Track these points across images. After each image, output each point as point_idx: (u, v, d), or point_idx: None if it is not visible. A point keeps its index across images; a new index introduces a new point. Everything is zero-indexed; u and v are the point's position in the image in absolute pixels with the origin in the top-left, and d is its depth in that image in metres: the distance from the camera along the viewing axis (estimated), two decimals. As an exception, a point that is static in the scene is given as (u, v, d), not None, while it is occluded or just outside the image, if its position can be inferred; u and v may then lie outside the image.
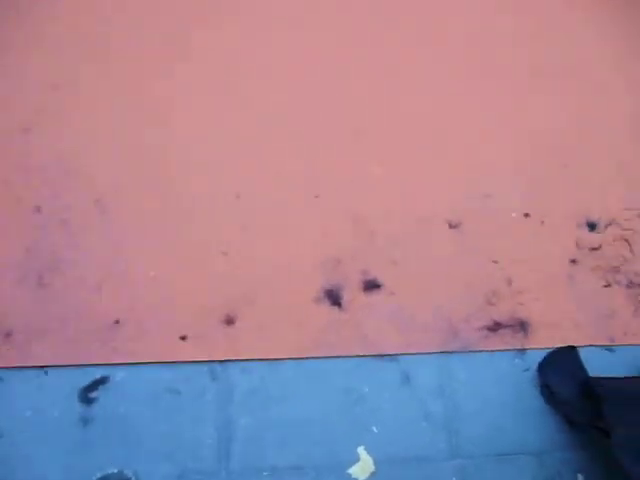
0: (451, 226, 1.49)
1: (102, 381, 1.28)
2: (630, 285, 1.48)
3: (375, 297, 1.40)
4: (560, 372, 1.35)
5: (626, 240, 1.52)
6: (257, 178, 1.47)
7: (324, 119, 1.55)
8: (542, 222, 1.52)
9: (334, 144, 1.53)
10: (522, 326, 1.42)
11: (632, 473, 1.04)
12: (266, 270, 1.40)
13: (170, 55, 1.55)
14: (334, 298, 1.38)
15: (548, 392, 1.34)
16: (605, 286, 1.48)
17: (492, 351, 1.39)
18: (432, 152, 1.55)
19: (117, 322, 1.32)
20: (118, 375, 1.28)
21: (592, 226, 1.53)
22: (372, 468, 1.27)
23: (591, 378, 1.31)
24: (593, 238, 1.52)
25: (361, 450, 1.28)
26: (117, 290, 1.35)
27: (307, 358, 1.34)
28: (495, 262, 1.46)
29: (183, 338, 1.32)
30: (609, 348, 1.43)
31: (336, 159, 1.52)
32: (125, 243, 1.39)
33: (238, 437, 1.27)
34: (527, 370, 1.39)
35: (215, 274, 1.38)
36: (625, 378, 1.31)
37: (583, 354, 1.38)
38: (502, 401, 1.36)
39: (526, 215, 1.52)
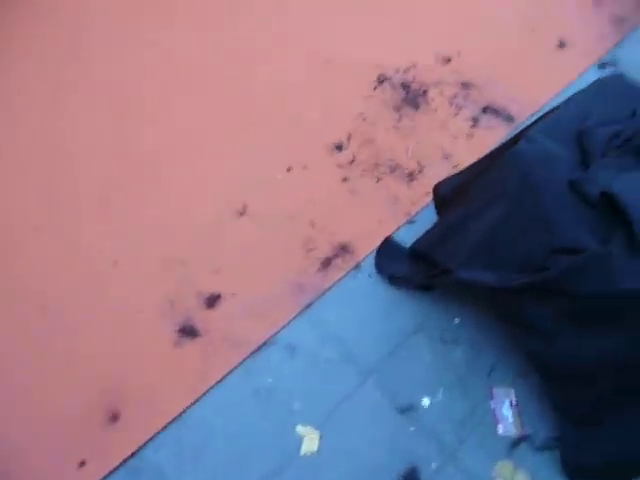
0: (240, 214, 1.61)
1: None
2: (393, 169, 1.75)
3: (223, 306, 1.46)
4: (389, 260, 1.55)
5: (368, 140, 1.79)
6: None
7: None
8: (305, 167, 1.71)
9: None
10: (345, 249, 1.59)
11: (478, 280, 1.25)
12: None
13: None
14: (190, 331, 1.40)
15: (394, 279, 1.53)
16: (378, 181, 1.72)
17: (338, 281, 1.54)
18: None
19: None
20: None
21: (339, 147, 1.77)
22: (317, 433, 1.32)
23: (413, 247, 1.53)
24: (346, 155, 1.76)
25: (299, 428, 1.33)
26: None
27: (203, 395, 1.34)
28: (292, 218, 1.62)
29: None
30: (410, 221, 1.67)
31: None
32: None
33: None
34: (370, 276, 1.56)
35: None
36: (429, 230, 1.54)
37: (397, 237, 1.62)
38: (372, 311, 1.51)
39: (289, 169, 1.70)
